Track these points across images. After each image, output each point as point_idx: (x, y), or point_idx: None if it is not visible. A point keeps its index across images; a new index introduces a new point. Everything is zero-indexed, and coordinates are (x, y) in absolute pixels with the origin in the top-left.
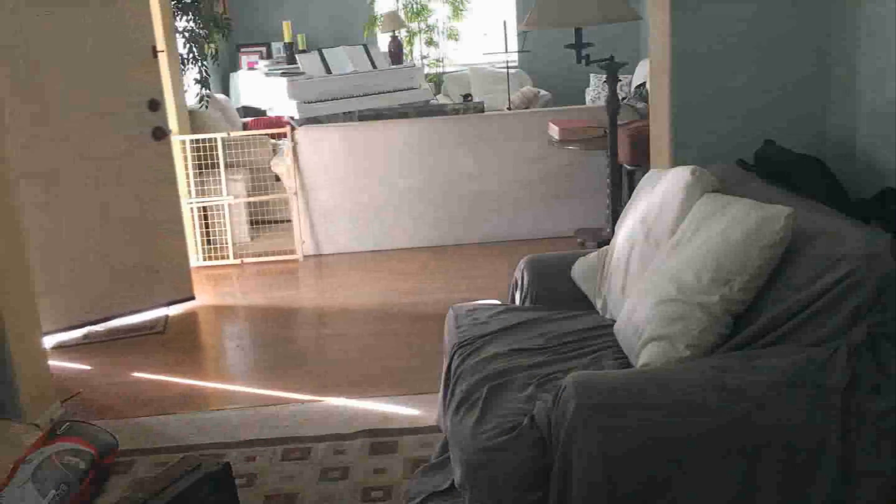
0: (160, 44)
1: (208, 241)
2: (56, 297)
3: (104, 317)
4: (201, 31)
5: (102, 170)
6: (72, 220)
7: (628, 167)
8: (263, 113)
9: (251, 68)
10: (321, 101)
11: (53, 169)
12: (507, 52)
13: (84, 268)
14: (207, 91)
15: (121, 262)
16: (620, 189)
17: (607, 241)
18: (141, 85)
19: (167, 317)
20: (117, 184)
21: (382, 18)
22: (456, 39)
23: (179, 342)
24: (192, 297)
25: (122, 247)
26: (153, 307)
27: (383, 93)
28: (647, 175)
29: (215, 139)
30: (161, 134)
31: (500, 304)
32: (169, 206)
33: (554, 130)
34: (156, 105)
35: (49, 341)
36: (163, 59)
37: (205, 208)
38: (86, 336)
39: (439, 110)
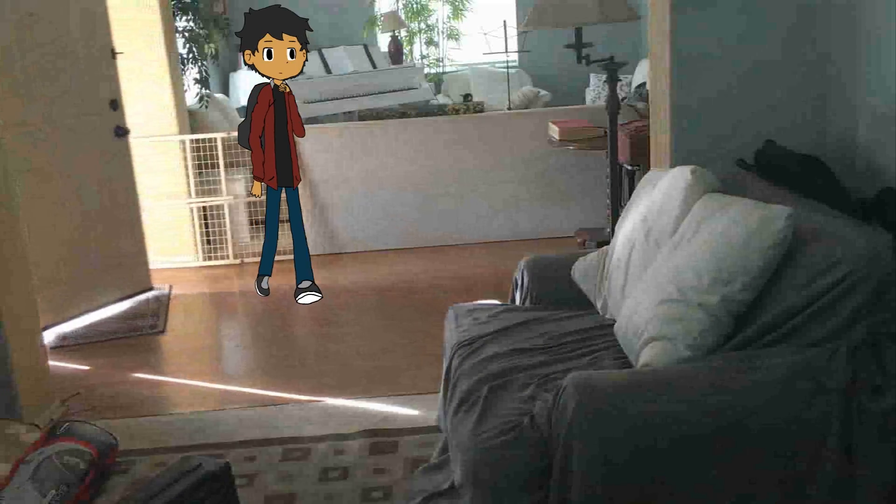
0: (161, 44)
1: (208, 241)
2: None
3: (71, 316)
4: (201, 31)
5: (67, 166)
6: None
7: (628, 167)
8: None
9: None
10: (321, 101)
11: (26, 165)
12: (507, 52)
13: (48, 267)
14: (207, 91)
15: (82, 259)
16: (620, 189)
17: (607, 241)
18: (102, 85)
19: (166, 316)
20: (79, 180)
21: (382, 18)
22: (456, 39)
23: (179, 342)
24: (151, 288)
25: (82, 243)
26: (114, 301)
27: (383, 93)
28: (647, 175)
29: (215, 139)
30: (122, 132)
31: (500, 304)
32: (127, 201)
33: (554, 130)
34: (115, 105)
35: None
36: (163, 59)
37: (205, 208)
38: (63, 338)
39: (439, 110)
